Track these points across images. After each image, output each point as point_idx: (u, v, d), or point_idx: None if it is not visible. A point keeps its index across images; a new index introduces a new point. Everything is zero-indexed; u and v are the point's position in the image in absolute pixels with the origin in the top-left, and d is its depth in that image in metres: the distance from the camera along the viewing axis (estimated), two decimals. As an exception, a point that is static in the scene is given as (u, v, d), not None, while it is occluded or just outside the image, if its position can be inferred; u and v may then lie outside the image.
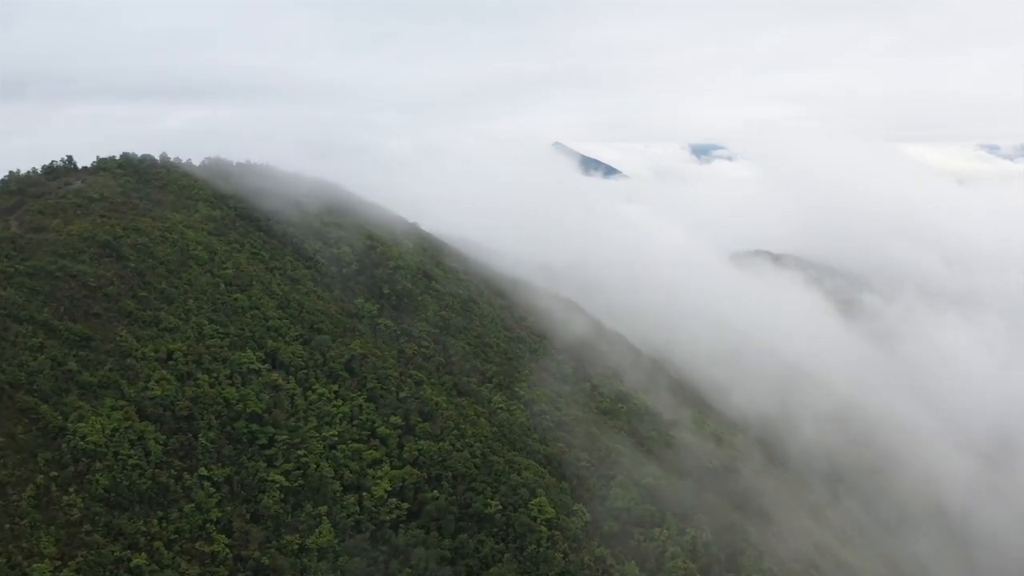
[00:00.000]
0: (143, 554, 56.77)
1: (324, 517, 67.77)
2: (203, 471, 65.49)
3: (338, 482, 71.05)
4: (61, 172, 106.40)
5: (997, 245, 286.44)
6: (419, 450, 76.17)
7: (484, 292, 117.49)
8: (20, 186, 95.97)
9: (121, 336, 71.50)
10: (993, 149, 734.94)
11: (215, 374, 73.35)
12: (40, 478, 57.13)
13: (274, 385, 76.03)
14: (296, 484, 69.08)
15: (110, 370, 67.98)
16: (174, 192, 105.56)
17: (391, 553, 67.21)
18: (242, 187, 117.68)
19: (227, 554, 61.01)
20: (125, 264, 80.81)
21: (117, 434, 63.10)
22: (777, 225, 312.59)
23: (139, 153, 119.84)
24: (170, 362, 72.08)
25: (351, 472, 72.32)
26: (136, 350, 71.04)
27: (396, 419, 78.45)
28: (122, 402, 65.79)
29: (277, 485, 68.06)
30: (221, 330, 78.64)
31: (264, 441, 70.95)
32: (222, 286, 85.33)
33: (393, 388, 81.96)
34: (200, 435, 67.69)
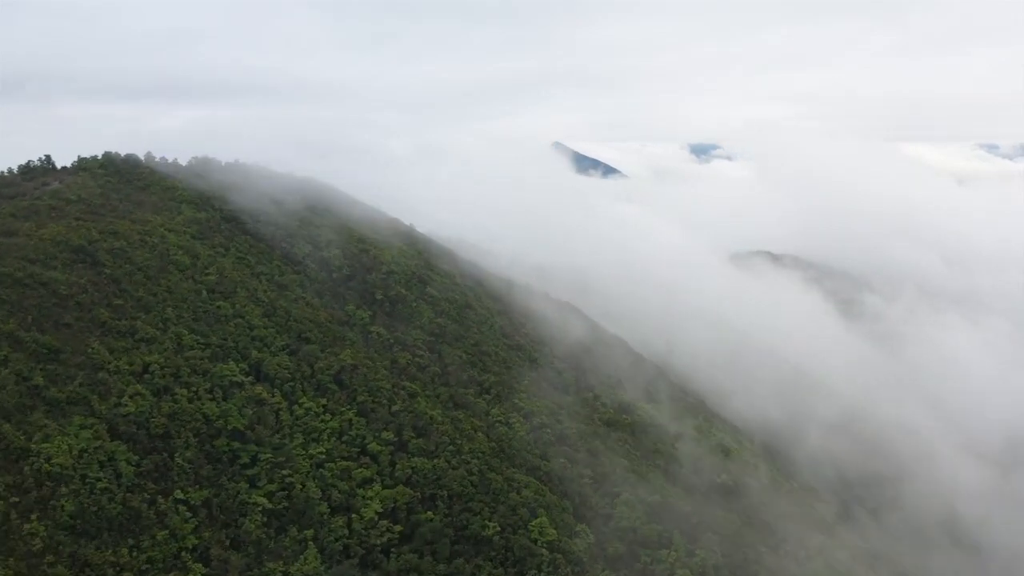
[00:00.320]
0: (111, 588, 52.22)
1: (310, 542, 63.27)
2: (179, 494, 60.90)
3: (325, 503, 66.58)
4: (38, 172, 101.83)
5: (997, 245, 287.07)
6: (412, 468, 71.73)
7: (481, 297, 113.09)
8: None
9: (93, 348, 66.86)
10: (993, 149, 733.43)
11: (194, 388, 68.78)
12: (-1, 505, 52.56)
13: (258, 399, 71.48)
14: (280, 506, 64.56)
15: (80, 385, 63.33)
16: (157, 193, 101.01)
17: (382, 580, 62.73)
18: (230, 188, 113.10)
19: (204, 585, 56.48)
20: (100, 270, 76.17)
21: (85, 455, 58.47)
22: (777, 225, 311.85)
23: (138, 153, 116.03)
24: (146, 376, 67.47)
25: (339, 492, 67.84)
26: (109, 363, 66.41)
27: (388, 435, 73.99)
28: (92, 420, 61.15)
29: (259, 508, 63.54)
30: (202, 340, 74.04)
31: (246, 460, 66.39)
32: (204, 293, 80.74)
33: (385, 401, 77.47)
34: (176, 455, 63.11)
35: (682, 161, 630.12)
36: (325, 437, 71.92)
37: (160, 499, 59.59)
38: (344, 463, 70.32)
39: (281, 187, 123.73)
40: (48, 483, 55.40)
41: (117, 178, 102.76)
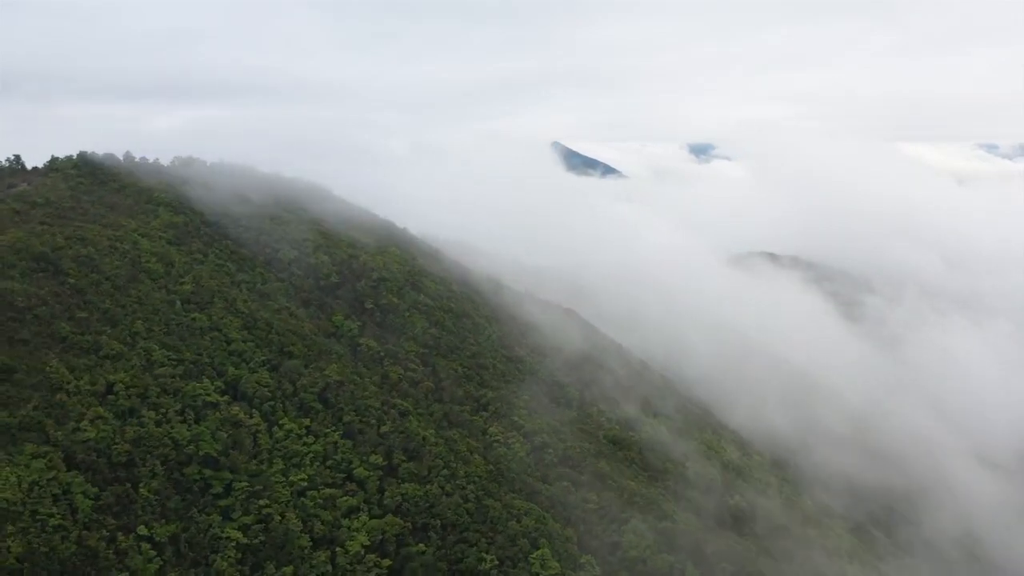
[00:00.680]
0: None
1: (289, 580, 57.37)
2: (142, 530, 54.99)
3: (307, 536, 60.69)
4: (6, 173, 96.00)
5: (997, 245, 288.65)
6: (402, 495, 65.86)
7: (478, 304, 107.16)
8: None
9: (51, 366, 60.86)
10: (992, 149, 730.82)
11: (163, 410, 62.78)
12: (-67, 549, 46.60)
13: (234, 421, 65.49)
14: (256, 541, 58.61)
15: (35, 408, 57.36)
16: (132, 196, 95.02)
17: (368, 623, 56.97)
18: (213, 190, 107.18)
19: (168, 634, 50.65)
20: (63, 280, 70.11)
21: (37, 488, 52.50)
22: (776, 225, 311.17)
23: (134, 152, 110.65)
24: (109, 397, 61.51)
25: (322, 523, 61.99)
26: (68, 383, 60.43)
27: (376, 458, 68.10)
28: (46, 448, 55.20)
29: (233, 543, 57.62)
30: (173, 356, 68.01)
31: (219, 489, 60.44)
32: (178, 304, 74.76)
33: (374, 421, 71.57)
34: (141, 485, 57.16)
35: (682, 161, 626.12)
36: (307, 462, 66.00)
37: (121, 536, 53.69)
38: (328, 490, 64.45)
39: (268, 189, 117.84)
40: (-8, 522, 49.46)
41: (91, 179, 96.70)
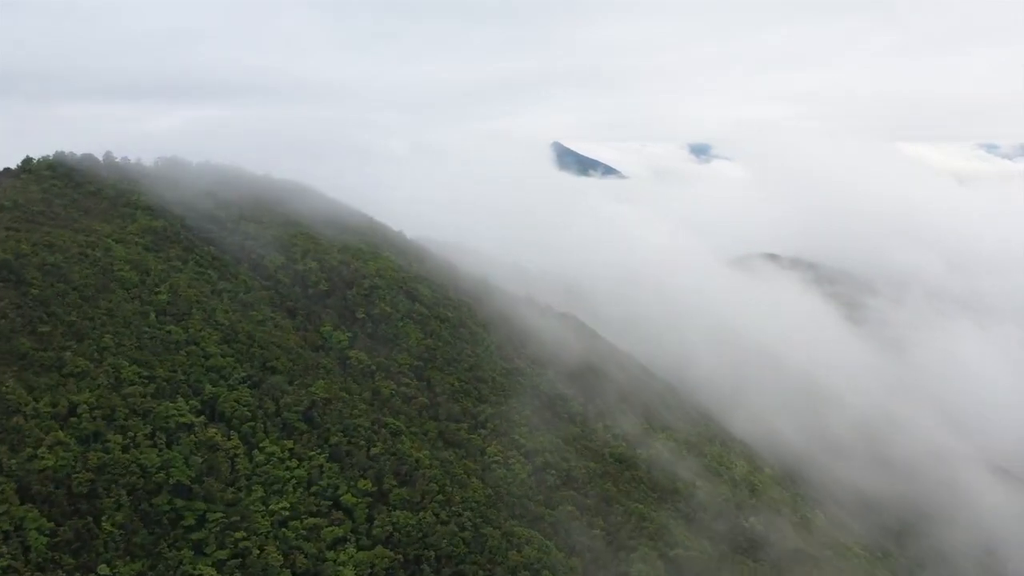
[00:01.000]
0: None
1: (268, 623, 52.24)
2: (103, 569, 49.65)
3: (288, 571, 55.39)
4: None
5: (998, 245, 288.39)
6: (393, 524, 60.67)
7: (476, 312, 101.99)
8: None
9: (7, 387, 55.51)
10: (992, 149, 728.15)
11: (131, 433, 57.47)
12: None
13: (209, 444, 60.19)
14: (232, 578, 53.37)
15: (-13, 434, 52.05)
16: (109, 199, 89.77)
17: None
18: (197, 192, 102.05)
19: None
20: (25, 291, 64.75)
21: (-15, 526, 47.24)
22: (777, 226, 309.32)
23: (131, 152, 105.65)
24: (72, 419, 56.19)
25: (306, 557, 56.72)
26: (26, 405, 55.12)
27: (365, 483, 62.87)
28: (-2, 479, 49.88)
29: (207, 582, 52.35)
30: (145, 373, 62.65)
31: (191, 522, 55.13)
32: (152, 316, 69.44)
33: (363, 442, 66.34)
34: (104, 518, 51.84)
35: (682, 161, 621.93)
36: (290, 488, 60.73)
37: (79, 578, 48.38)
38: (312, 520, 59.17)
39: (256, 191, 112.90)
40: (-69, 566, 44.24)
41: (65, 181, 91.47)
